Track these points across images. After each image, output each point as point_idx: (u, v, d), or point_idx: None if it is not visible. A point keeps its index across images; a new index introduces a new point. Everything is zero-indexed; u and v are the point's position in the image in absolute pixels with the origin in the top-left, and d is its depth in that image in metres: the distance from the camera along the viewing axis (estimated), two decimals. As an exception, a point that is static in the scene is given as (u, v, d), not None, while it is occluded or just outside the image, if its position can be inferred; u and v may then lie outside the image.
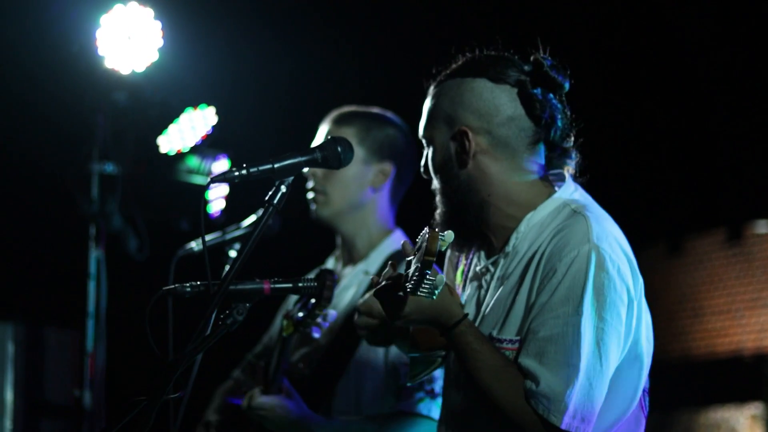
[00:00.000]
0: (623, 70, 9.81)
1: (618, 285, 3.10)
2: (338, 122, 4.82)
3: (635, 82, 10.10)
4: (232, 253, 4.95)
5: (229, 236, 4.94)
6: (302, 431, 4.47)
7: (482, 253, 3.45)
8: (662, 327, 14.21)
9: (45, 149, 8.12)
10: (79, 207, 7.69)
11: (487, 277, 3.38)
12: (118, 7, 7.47)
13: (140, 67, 7.55)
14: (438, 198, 3.41)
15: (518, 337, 3.15)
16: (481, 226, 3.36)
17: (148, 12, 7.54)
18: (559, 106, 3.38)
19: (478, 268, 3.45)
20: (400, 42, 3.35)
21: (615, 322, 3.08)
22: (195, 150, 7.97)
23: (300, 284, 3.34)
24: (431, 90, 3.44)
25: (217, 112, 7.98)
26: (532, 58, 3.41)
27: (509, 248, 3.30)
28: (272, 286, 3.36)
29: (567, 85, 3.40)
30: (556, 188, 3.37)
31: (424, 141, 3.45)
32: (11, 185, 8.36)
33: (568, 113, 3.42)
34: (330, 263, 5.11)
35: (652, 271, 14.17)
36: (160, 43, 7.56)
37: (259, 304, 3.43)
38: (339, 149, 3.23)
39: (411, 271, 3.04)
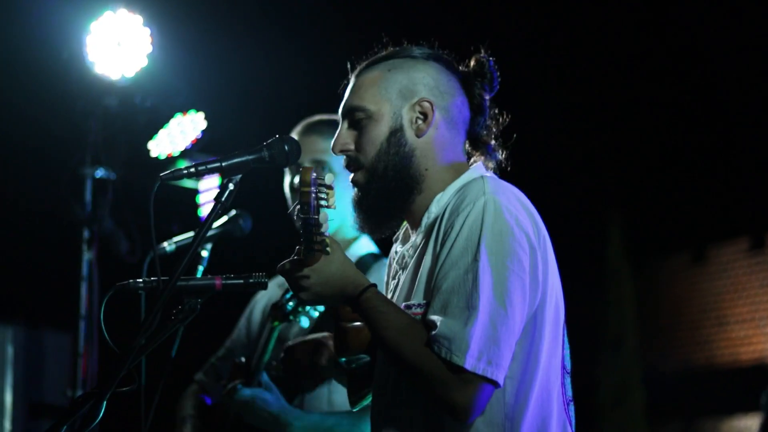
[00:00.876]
0: (648, 82, 9.83)
1: (516, 232, 3.11)
2: (308, 132, 4.86)
3: (660, 93, 10.12)
4: (204, 253, 5.03)
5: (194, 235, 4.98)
6: (281, 424, 4.55)
7: (400, 246, 3.51)
8: (686, 336, 14.25)
9: (37, 154, 8.21)
10: (72, 211, 7.78)
11: (404, 263, 3.41)
12: (107, 14, 7.56)
13: (130, 72, 7.64)
14: (360, 176, 3.39)
15: (425, 300, 3.17)
16: (405, 204, 3.38)
17: (138, 18, 7.62)
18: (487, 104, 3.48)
19: (396, 261, 3.48)
20: (379, 44, 3.43)
21: (516, 269, 3.08)
22: (185, 154, 8.08)
23: (251, 280, 3.38)
24: (373, 66, 3.45)
25: (206, 117, 8.08)
26: (476, 56, 3.50)
27: (421, 228, 3.34)
28: (224, 282, 3.38)
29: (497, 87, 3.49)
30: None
31: (354, 113, 3.41)
32: (5, 191, 8.44)
33: (495, 113, 3.51)
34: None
35: (676, 279, 14.21)
36: (150, 49, 7.65)
37: (212, 302, 3.49)
38: (286, 147, 3.29)
39: (299, 224, 3.10)
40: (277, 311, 4.54)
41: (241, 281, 3.37)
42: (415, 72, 3.41)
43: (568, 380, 3.32)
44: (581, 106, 9.37)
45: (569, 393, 3.32)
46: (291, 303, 4.41)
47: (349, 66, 3.54)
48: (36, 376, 8.81)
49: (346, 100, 3.46)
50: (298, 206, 3.09)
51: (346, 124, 3.44)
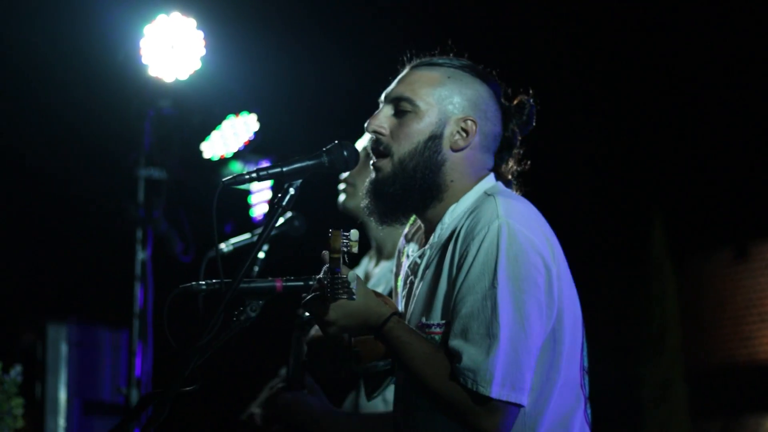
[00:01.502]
0: (691, 77, 9.81)
1: (531, 255, 3.17)
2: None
3: (703, 89, 10.09)
4: (261, 255, 5.10)
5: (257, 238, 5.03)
6: (324, 427, 4.61)
7: (410, 250, 3.58)
8: (729, 332, 14.16)
9: (93, 156, 8.31)
10: (126, 211, 7.87)
11: (417, 270, 3.46)
12: (161, 17, 7.67)
13: (183, 75, 7.74)
14: (386, 164, 3.44)
15: (444, 321, 3.24)
16: (422, 207, 3.44)
17: (191, 22, 7.72)
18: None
19: (408, 266, 3.55)
20: (442, 48, 3.46)
21: (533, 290, 3.14)
22: (237, 155, 8.17)
23: (311, 282, 3.43)
24: (433, 66, 3.50)
25: (259, 119, 8.16)
26: (520, 97, 3.56)
27: (434, 239, 3.40)
28: (284, 284, 3.41)
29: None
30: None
31: (401, 102, 3.45)
32: (61, 191, 8.54)
33: (519, 153, 3.58)
34: (364, 262, 5.23)
35: (719, 276, 14.13)
36: (203, 52, 7.74)
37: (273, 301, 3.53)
38: (345, 153, 3.36)
39: (324, 275, 3.17)
40: (296, 320, 4.63)
41: (302, 283, 3.40)
42: (471, 89, 3.46)
43: (586, 379, 3.40)
44: (625, 102, 9.37)
45: (587, 392, 3.39)
46: (307, 313, 4.49)
47: (406, 57, 3.59)
48: (90, 374, 8.87)
49: (397, 87, 3.50)
50: (327, 268, 3.15)
51: (389, 109, 3.47)
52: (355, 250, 3.18)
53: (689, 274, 14.29)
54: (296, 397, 4.62)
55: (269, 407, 4.91)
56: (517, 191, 3.55)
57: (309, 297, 3.27)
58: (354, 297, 3.14)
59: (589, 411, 3.40)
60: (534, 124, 3.55)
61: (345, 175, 5.02)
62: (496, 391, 3.06)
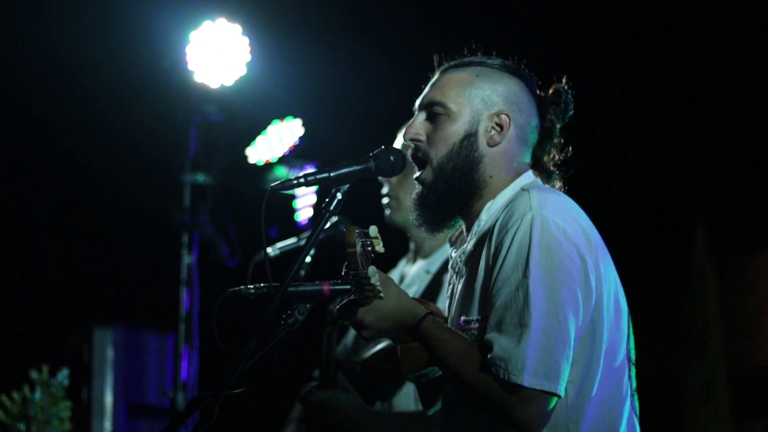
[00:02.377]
0: (733, 80, 9.75)
1: (564, 245, 3.15)
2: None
3: (745, 92, 10.02)
4: (307, 259, 5.12)
5: (304, 242, 5.05)
6: (356, 424, 4.63)
7: (454, 251, 3.57)
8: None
9: (139, 161, 8.37)
10: (172, 216, 7.92)
11: (458, 271, 3.47)
12: (206, 24, 7.72)
13: (229, 81, 7.79)
14: (427, 173, 3.44)
15: (481, 316, 3.22)
16: (465, 205, 3.44)
17: (236, 28, 7.77)
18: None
19: (450, 264, 3.55)
20: (485, 50, 3.47)
21: (566, 280, 3.12)
22: (283, 160, 8.21)
23: None
24: (461, 67, 3.50)
25: (304, 124, 8.20)
26: (555, 85, 3.56)
27: (471, 236, 3.41)
28: (331, 287, 3.42)
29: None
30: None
31: (433, 107, 3.45)
32: (108, 196, 8.61)
33: (560, 142, 3.57)
34: (402, 263, 5.24)
35: (761, 278, 14.06)
36: (248, 57, 7.79)
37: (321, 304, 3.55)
38: (392, 158, 3.36)
39: (345, 273, 3.20)
40: (328, 317, 4.66)
41: (349, 286, 3.40)
42: (501, 84, 3.46)
43: (633, 371, 3.37)
44: (667, 104, 9.33)
45: (634, 384, 3.37)
46: (342, 316, 4.50)
47: (435, 61, 3.59)
48: (136, 378, 8.93)
49: (428, 93, 3.50)
50: (348, 265, 3.17)
51: (422, 116, 3.48)
52: (378, 248, 3.20)
53: (732, 276, 14.23)
54: (329, 395, 4.64)
55: (303, 407, 4.93)
56: (559, 180, 3.55)
57: (341, 304, 3.29)
58: (380, 294, 3.16)
59: (636, 403, 3.38)
60: (572, 111, 3.55)
61: (386, 189, 5.03)
62: (528, 379, 3.02)
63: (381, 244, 3.22)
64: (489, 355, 3.08)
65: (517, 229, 3.17)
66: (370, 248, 3.20)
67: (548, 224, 3.16)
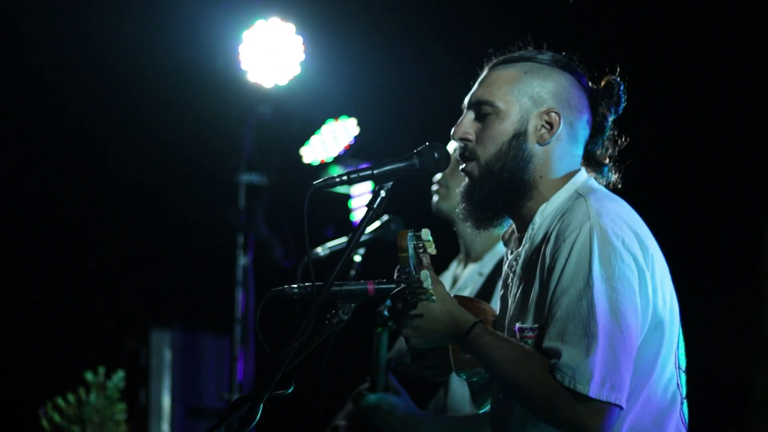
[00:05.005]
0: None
1: (624, 255, 3.12)
2: None
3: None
4: (357, 258, 5.08)
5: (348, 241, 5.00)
6: (409, 428, 4.58)
7: (509, 253, 3.53)
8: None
9: (194, 162, 8.38)
10: (227, 217, 7.93)
11: (513, 273, 3.43)
12: (260, 23, 7.71)
13: (283, 80, 7.78)
14: (474, 168, 3.42)
15: (537, 324, 3.19)
16: (514, 206, 3.40)
17: (290, 27, 7.75)
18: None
19: (505, 267, 3.52)
20: (537, 44, 3.41)
21: (627, 291, 3.10)
22: (338, 160, 8.18)
23: (403, 284, 3.39)
24: (509, 64, 3.45)
25: (359, 123, 8.16)
26: (607, 78, 3.49)
27: (527, 240, 3.37)
28: (376, 286, 3.39)
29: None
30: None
31: (482, 106, 3.41)
32: (163, 198, 8.62)
33: (614, 134, 3.50)
34: (453, 266, 5.20)
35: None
36: (302, 57, 7.78)
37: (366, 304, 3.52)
38: (436, 155, 3.32)
39: (397, 276, 3.18)
40: (377, 318, 4.62)
41: (394, 285, 3.37)
42: (550, 81, 3.41)
43: (683, 378, 3.33)
44: (733, 100, 9.19)
45: (683, 391, 3.33)
46: (392, 322, 4.47)
47: (485, 59, 3.54)
48: (193, 379, 8.95)
49: (477, 91, 3.46)
50: (399, 268, 3.16)
51: (471, 114, 3.44)
52: (431, 250, 3.18)
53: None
54: (380, 398, 4.61)
55: (354, 410, 4.90)
56: (613, 173, 3.50)
57: (390, 306, 3.27)
58: (433, 297, 3.13)
59: (685, 411, 3.34)
60: (625, 102, 3.48)
61: (438, 177, 4.99)
62: (596, 390, 3.01)
63: (433, 246, 3.20)
64: (554, 362, 3.05)
65: (576, 238, 3.14)
66: (422, 250, 3.18)
67: (607, 234, 3.13)
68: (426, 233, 3.18)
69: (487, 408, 3.56)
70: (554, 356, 3.05)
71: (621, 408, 3.05)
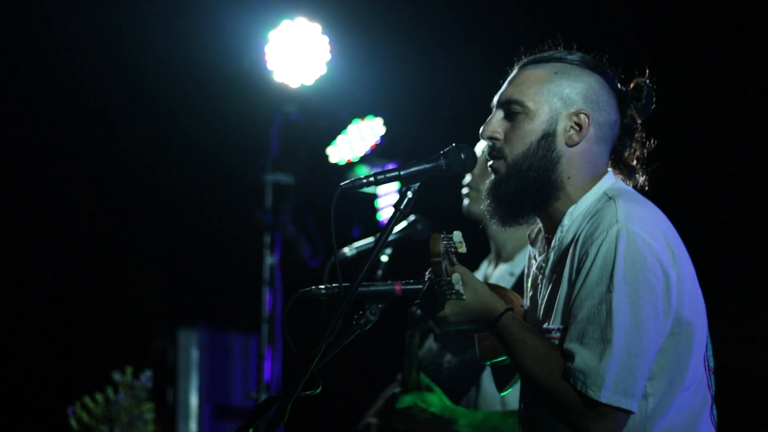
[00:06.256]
0: None
1: (650, 260, 3.12)
2: None
3: None
4: (384, 258, 5.09)
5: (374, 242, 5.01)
6: (446, 422, 4.59)
7: (537, 253, 3.54)
8: None
9: (220, 162, 8.40)
10: (254, 216, 7.95)
11: (542, 274, 3.44)
12: (285, 23, 7.72)
13: (309, 80, 7.79)
14: (501, 165, 3.41)
15: (563, 326, 3.21)
16: (540, 206, 3.40)
17: (316, 27, 7.76)
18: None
19: (533, 268, 3.52)
20: (566, 44, 3.40)
21: (649, 297, 3.10)
22: (364, 160, 8.18)
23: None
24: (539, 64, 3.45)
25: (385, 123, 8.16)
26: (636, 80, 3.49)
27: (555, 243, 3.37)
28: (403, 287, 3.39)
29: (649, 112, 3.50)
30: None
31: (511, 105, 3.41)
32: (190, 198, 8.65)
33: (642, 137, 3.51)
34: (483, 266, 5.20)
35: None
36: (328, 56, 7.78)
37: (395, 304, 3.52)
38: (462, 156, 3.32)
39: (429, 278, 3.20)
40: (408, 319, 4.62)
41: (421, 286, 3.37)
42: (580, 82, 3.40)
43: (712, 380, 3.34)
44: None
45: (713, 392, 3.34)
46: (420, 310, 4.48)
47: (516, 58, 3.54)
48: (221, 379, 8.98)
49: (506, 90, 3.45)
50: (430, 272, 3.17)
51: (500, 113, 3.43)
52: (462, 250, 3.19)
53: None
54: (416, 397, 4.62)
55: (388, 411, 4.91)
56: (641, 175, 3.50)
57: (420, 296, 3.28)
58: (463, 297, 3.14)
59: (715, 412, 3.35)
60: (654, 105, 3.48)
61: (468, 180, 4.99)
62: (607, 396, 3.03)
63: (464, 246, 3.20)
64: (569, 365, 3.08)
65: (603, 241, 3.15)
66: (453, 251, 3.19)
67: (634, 238, 3.13)
68: (458, 235, 3.19)
69: (509, 391, 3.59)
70: (569, 359, 3.08)
71: (632, 413, 3.07)
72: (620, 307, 3.07)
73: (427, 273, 3.20)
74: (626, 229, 3.14)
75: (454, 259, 3.20)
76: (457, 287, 3.12)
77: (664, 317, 3.14)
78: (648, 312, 3.10)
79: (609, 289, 3.09)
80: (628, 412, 3.06)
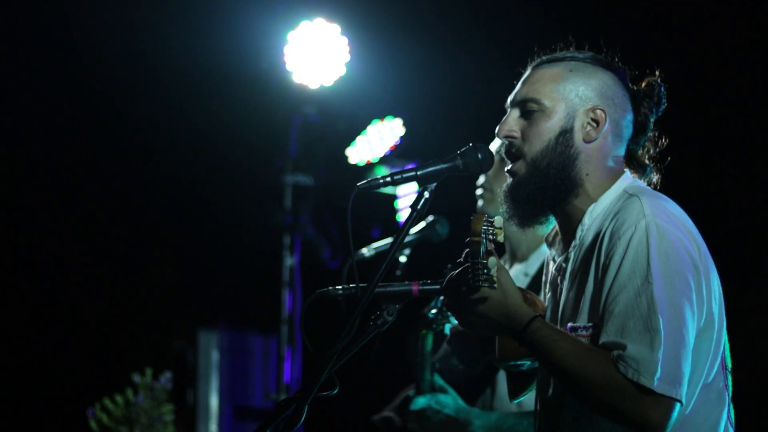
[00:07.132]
0: None
1: (682, 253, 3.13)
2: None
3: None
4: (402, 259, 5.08)
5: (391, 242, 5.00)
6: (461, 423, 4.57)
7: (555, 254, 3.52)
8: None
9: (240, 163, 8.41)
10: (274, 217, 7.96)
11: (562, 274, 3.41)
12: (304, 24, 7.72)
13: (328, 81, 7.79)
14: (520, 167, 3.40)
15: (590, 323, 3.18)
16: (559, 203, 3.39)
17: (335, 28, 7.76)
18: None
19: (553, 269, 3.50)
20: (578, 44, 3.39)
21: (685, 289, 3.10)
22: (384, 160, 8.18)
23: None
24: (554, 62, 3.45)
25: (405, 123, 8.15)
26: (648, 79, 3.48)
27: (576, 242, 3.36)
28: (420, 287, 3.38)
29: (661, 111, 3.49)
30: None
31: (527, 104, 3.40)
32: (210, 199, 8.67)
33: (655, 135, 3.50)
34: (498, 265, 5.17)
35: None
36: (347, 57, 7.78)
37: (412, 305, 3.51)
38: (479, 156, 3.30)
39: (465, 259, 3.13)
40: (422, 320, 4.60)
41: (438, 286, 3.36)
42: (595, 79, 3.40)
43: (729, 379, 3.33)
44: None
45: (730, 392, 3.32)
46: (433, 311, 4.45)
47: (529, 59, 3.54)
48: (240, 380, 9.00)
49: (521, 89, 3.44)
50: (467, 252, 3.11)
51: (516, 113, 3.43)
52: (500, 238, 3.13)
53: None
54: (428, 400, 4.61)
55: (403, 414, 4.90)
56: (655, 173, 3.49)
57: (448, 281, 3.22)
58: (495, 285, 3.08)
59: (732, 412, 3.33)
60: (665, 103, 3.48)
61: (482, 180, 4.98)
62: (658, 385, 3.00)
63: (503, 234, 3.15)
64: (618, 353, 3.04)
65: (632, 235, 3.13)
66: (492, 237, 3.13)
67: (664, 232, 3.13)
68: (499, 220, 3.13)
69: (523, 398, 3.58)
70: (618, 349, 3.05)
71: (681, 403, 3.05)
72: (661, 299, 3.06)
73: (464, 254, 3.13)
74: (655, 224, 3.13)
75: (492, 248, 3.14)
76: (493, 272, 3.05)
77: (697, 310, 3.14)
78: (684, 303, 3.10)
79: (647, 280, 3.07)
80: (679, 402, 3.04)
